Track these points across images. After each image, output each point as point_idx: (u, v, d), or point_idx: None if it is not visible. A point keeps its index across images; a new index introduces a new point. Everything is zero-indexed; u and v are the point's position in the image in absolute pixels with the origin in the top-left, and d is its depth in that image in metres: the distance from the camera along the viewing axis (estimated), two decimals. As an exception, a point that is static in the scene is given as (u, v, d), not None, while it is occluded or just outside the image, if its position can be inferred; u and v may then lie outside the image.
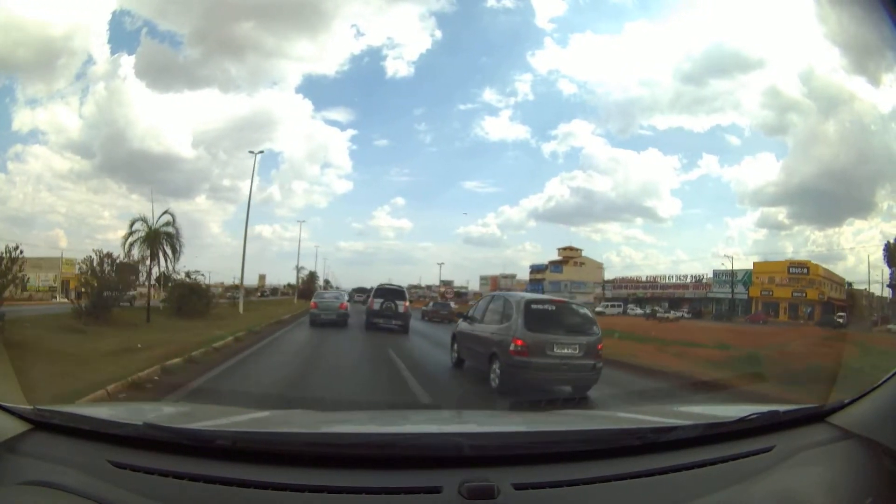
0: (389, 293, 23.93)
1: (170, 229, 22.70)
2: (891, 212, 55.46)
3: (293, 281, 67.50)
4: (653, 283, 71.66)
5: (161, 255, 22.72)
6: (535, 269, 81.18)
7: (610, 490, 1.92)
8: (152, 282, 26.11)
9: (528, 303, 10.09)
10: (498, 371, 9.53)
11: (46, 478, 1.88)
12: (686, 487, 1.96)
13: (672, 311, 57.38)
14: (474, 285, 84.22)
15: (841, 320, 48.50)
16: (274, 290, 76.21)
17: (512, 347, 9.30)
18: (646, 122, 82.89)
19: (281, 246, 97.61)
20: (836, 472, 2.11)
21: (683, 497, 1.91)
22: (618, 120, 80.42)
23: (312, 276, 70.84)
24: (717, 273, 65.55)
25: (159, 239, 22.60)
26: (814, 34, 61.08)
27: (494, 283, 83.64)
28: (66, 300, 25.66)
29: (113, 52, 61.39)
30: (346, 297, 28.18)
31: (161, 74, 68.39)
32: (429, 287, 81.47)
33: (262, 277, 63.10)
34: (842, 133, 56.64)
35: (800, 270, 60.02)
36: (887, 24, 2.11)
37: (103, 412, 2.59)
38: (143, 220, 22.71)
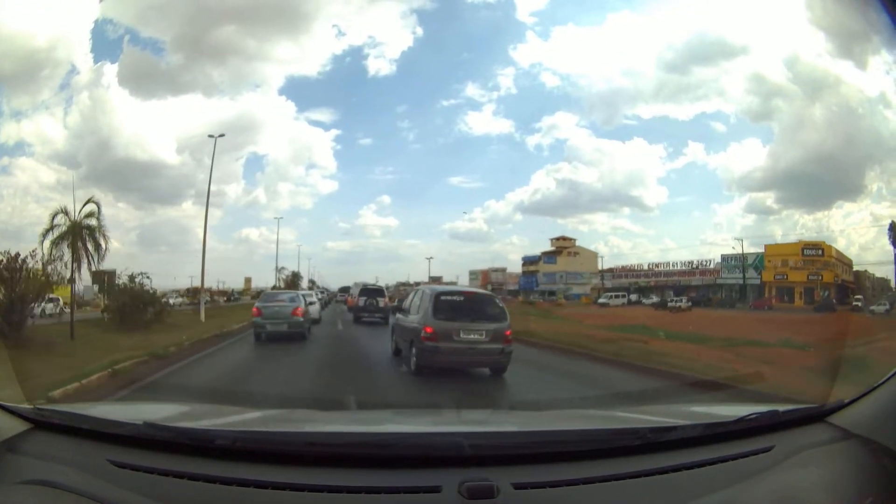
0: (372, 292, 27.84)
1: (92, 221, 17.74)
2: (880, 193, 55.32)
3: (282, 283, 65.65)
4: (656, 270, 68.63)
5: (85, 253, 17.68)
6: (528, 260, 78.98)
7: (610, 490, 1.92)
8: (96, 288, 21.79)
9: (438, 294, 11.26)
10: (414, 355, 10.71)
11: (47, 477, 1.89)
12: (686, 487, 1.96)
13: (683, 300, 53.29)
14: (464, 280, 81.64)
15: (858, 303, 46.90)
16: (240, 294, 73.46)
17: (423, 334, 10.42)
18: (630, 111, 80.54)
19: (268, 249, 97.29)
20: (836, 472, 2.10)
21: (683, 497, 1.92)
22: (602, 111, 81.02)
23: (295, 276, 68.83)
24: (725, 258, 61.89)
25: (82, 234, 17.57)
26: (798, 19, 61.66)
27: (485, 277, 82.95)
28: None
29: (96, 61, 58.60)
30: (311, 300, 23.53)
31: (144, 81, 66.52)
32: (417, 284, 78.45)
33: (248, 280, 62.07)
34: (828, 117, 55.82)
35: (814, 252, 56.66)
36: (873, 7, 2.13)
37: (103, 412, 2.62)
38: (64, 211, 18.31)
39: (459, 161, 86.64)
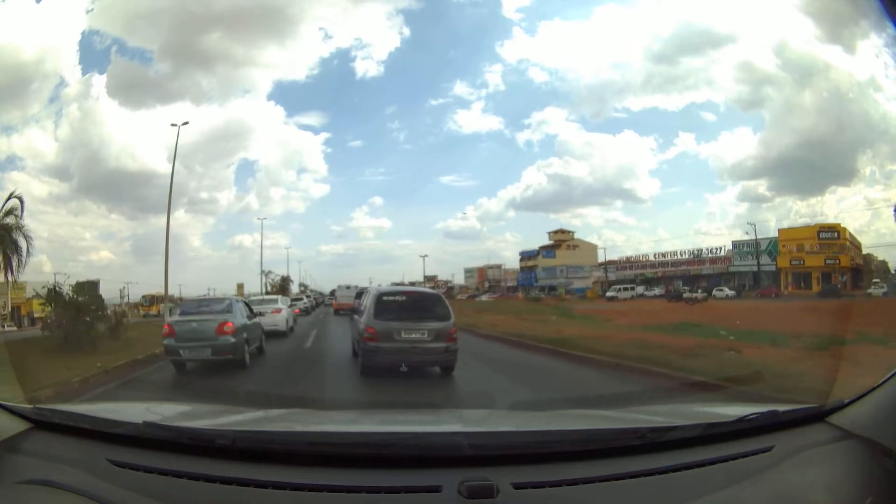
0: (357, 295, 32.17)
1: (8, 220, 13.86)
2: (873, 177, 56.28)
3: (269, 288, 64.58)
4: (663, 260, 65.93)
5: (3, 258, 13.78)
6: (526, 255, 78.05)
7: (609, 489, 1.91)
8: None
9: (380, 295, 11.47)
10: (360, 355, 11.12)
11: (46, 476, 1.89)
12: (685, 487, 1.95)
13: (699, 290, 49.88)
14: (459, 279, 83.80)
15: (883, 289, 45.24)
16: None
17: (365, 335, 10.68)
18: (619, 104, 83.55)
19: (263, 254, 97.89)
20: (835, 472, 2.09)
21: (683, 497, 1.91)
22: (591, 104, 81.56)
23: (285, 280, 67.78)
24: (737, 244, 59.22)
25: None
26: (786, 5, 59.94)
27: (481, 275, 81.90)
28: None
29: (84, 73, 61.00)
30: (273, 307, 21.24)
31: (133, 91, 68.95)
32: (412, 284, 77.77)
33: (240, 287, 59.38)
34: (819, 103, 56.26)
35: (830, 235, 54.48)
36: None
37: (103, 411, 2.59)
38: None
39: (450, 160, 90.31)
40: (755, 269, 56.12)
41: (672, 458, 2.05)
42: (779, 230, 57.67)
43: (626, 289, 57.88)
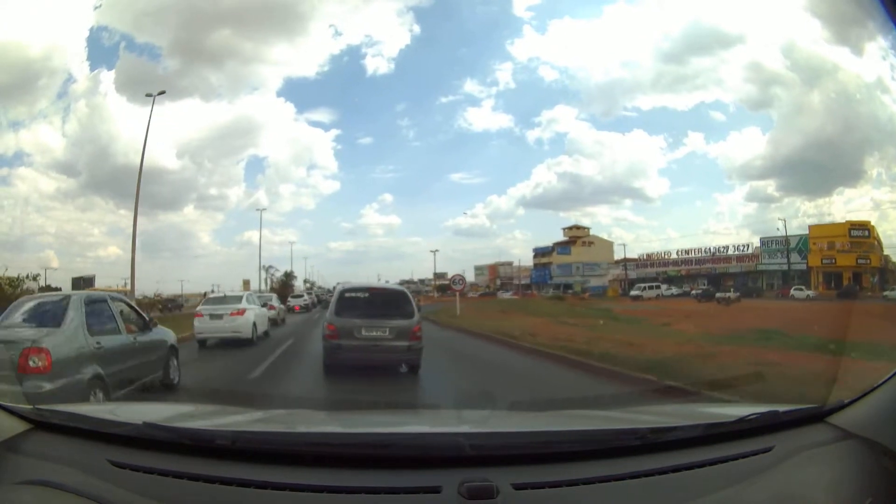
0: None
1: None
2: (880, 179, 54.88)
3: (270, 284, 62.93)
4: (686, 258, 62.83)
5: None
6: (540, 252, 76.13)
7: (609, 490, 1.91)
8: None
9: (343, 292, 11.43)
10: (323, 353, 10.99)
11: (46, 477, 1.88)
12: (685, 487, 1.95)
13: (732, 290, 47.23)
14: (469, 276, 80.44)
15: None
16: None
17: (326, 332, 10.74)
18: (629, 103, 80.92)
19: (271, 251, 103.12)
20: (835, 473, 2.08)
21: (683, 497, 1.91)
22: (601, 103, 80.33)
23: (288, 276, 66.50)
24: (765, 241, 55.60)
25: None
26: (794, 6, 60.54)
27: (493, 272, 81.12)
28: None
29: (92, 69, 59.70)
30: (240, 306, 17.15)
31: (141, 87, 65.42)
32: (422, 281, 79.68)
33: (246, 283, 56.75)
34: (827, 104, 55.76)
35: (861, 233, 51.07)
36: None
37: (103, 411, 2.67)
38: None
39: (460, 157, 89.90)
40: (785, 267, 53.50)
41: (672, 458, 2.05)
42: (809, 227, 54.54)
43: (650, 287, 54.63)
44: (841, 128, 54.18)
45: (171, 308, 39.70)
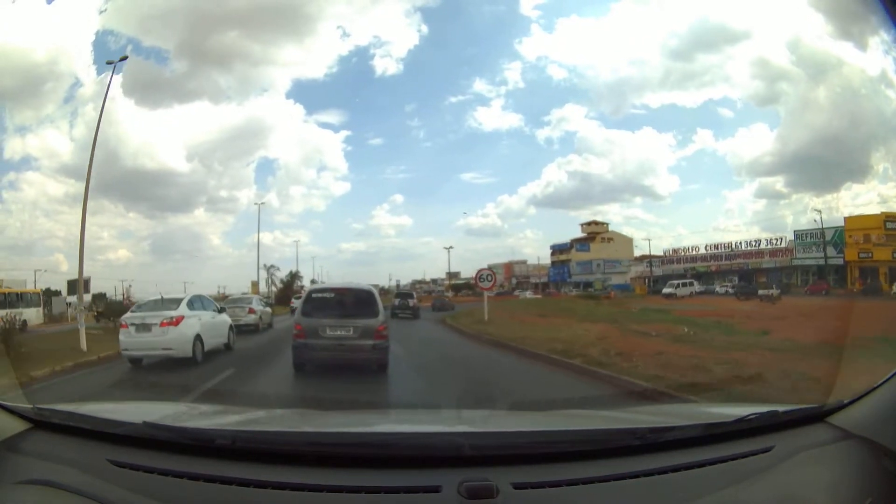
0: (404, 296, 35.20)
1: None
2: (886, 174, 54.79)
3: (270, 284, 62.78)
4: (716, 253, 59.10)
5: None
6: (557, 249, 74.63)
7: (609, 490, 1.91)
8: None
9: (311, 292, 12.15)
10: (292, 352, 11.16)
11: (46, 476, 1.89)
12: (685, 487, 1.95)
13: (774, 287, 44.51)
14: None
15: None
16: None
17: (294, 331, 10.98)
18: (638, 101, 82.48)
19: (282, 252, 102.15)
20: (835, 473, 2.08)
21: (683, 497, 1.91)
22: (610, 101, 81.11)
23: (293, 277, 64.91)
24: (799, 234, 52.15)
25: None
26: (797, 2, 60.12)
27: (508, 270, 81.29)
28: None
29: (99, 73, 57.60)
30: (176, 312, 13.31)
31: (149, 91, 69.49)
32: (434, 281, 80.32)
33: (254, 284, 56.42)
34: (833, 99, 56.01)
35: None
36: None
37: (103, 411, 2.59)
38: None
39: (471, 157, 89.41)
40: (821, 261, 50.79)
41: (672, 458, 2.05)
42: (845, 218, 50.55)
43: (684, 284, 50.91)
44: (847, 123, 54.52)
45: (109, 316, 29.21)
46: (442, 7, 72.41)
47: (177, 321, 12.61)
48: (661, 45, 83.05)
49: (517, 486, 1.81)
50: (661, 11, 79.06)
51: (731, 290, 51.20)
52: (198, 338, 12.88)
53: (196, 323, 13.19)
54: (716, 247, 59.52)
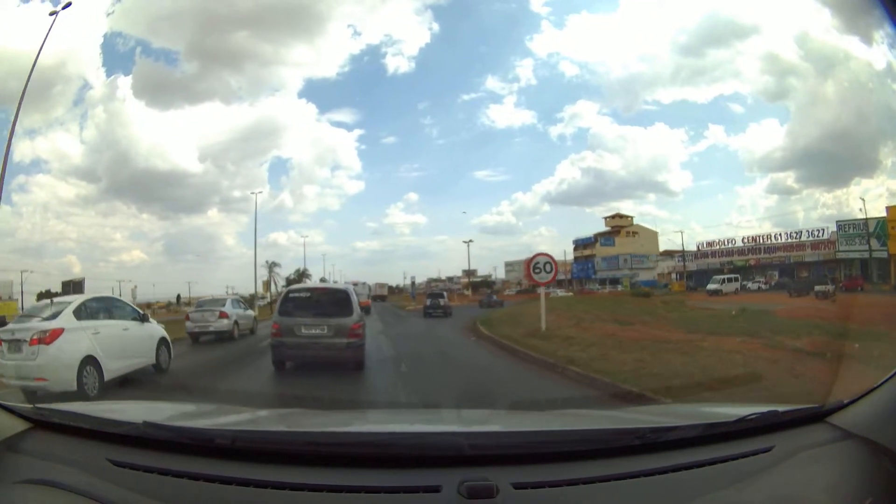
0: (436, 296, 36.17)
1: None
2: (895, 168, 53.96)
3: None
4: (753, 246, 56.02)
5: None
6: (580, 243, 72.45)
7: (609, 489, 1.91)
8: None
9: (288, 292, 12.44)
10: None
11: (46, 476, 1.89)
12: (685, 487, 1.95)
13: (829, 283, 42.38)
14: (500, 273, 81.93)
15: None
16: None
17: (272, 330, 11.34)
18: (650, 97, 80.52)
19: (297, 252, 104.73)
20: (835, 473, 2.09)
21: (683, 497, 1.91)
22: (622, 97, 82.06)
23: (301, 275, 63.51)
24: (842, 225, 48.76)
25: None
26: None
27: (529, 267, 73.05)
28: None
29: (108, 75, 60.75)
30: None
31: (160, 92, 70.13)
32: (450, 279, 79.73)
33: (266, 285, 57.29)
34: (841, 93, 55.84)
35: None
36: None
37: (103, 411, 2.58)
38: None
39: (484, 155, 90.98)
40: (866, 254, 48.89)
41: (672, 458, 2.05)
42: (887, 208, 46.40)
43: (730, 280, 47.83)
44: (855, 118, 54.45)
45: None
46: (452, 4, 72.69)
47: (50, 337, 8.80)
48: (671, 41, 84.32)
49: (517, 486, 1.81)
50: (670, 7, 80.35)
51: (763, 287, 49.41)
52: (89, 361, 9.12)
53: (85, 339, 9.34)
54: (754, 239, 56.50)
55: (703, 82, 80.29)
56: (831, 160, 59.06)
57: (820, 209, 73.79)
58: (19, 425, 2.16)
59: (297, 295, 11.90)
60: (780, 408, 2.42)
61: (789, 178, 76.53)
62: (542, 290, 20.05)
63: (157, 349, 11.54)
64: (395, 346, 16.02)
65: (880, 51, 41.66)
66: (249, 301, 39.53)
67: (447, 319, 30.93)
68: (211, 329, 19.05)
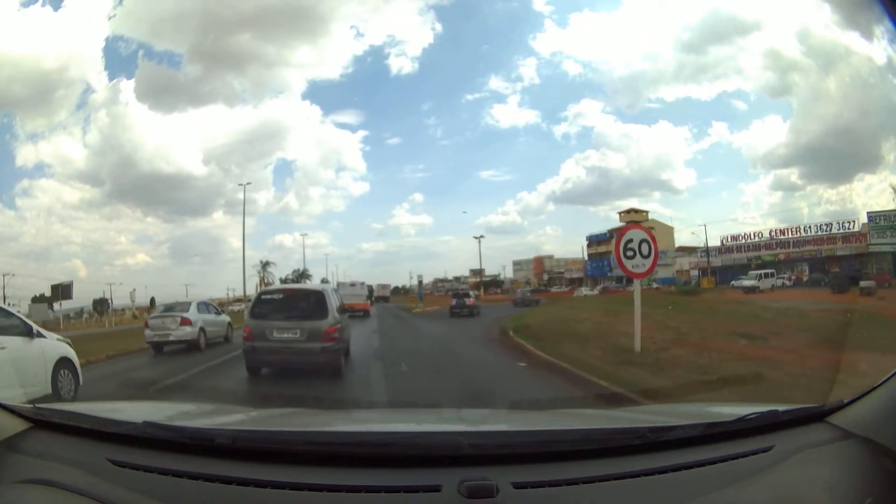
0: (461, 296, 35.88)
1: None
2: None
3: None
4: (781, 239, 54.09)
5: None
6: (594, 239, 70.73)
7: (609, 489, 1.90)
8: None
9: (261, 294, 12.66)
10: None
11: (46, 476, 1.87)
12: (685, 487, 1.93)
13: (871, 278, 40.67)
14: (508, 272, 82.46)
15: None
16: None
17: (244, 335, 10.94)
18: (653, 95, 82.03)
19: (302, 253, 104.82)
20: (835, 472, 2.07)
21: (682, 496, 1.90)
22: (625, 95, 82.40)
23: (301, 276, 62.40)
24: (873, 216, 46.55)
25: None
26: None
27: (538, 265, 79.31)
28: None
29: (111, 79, 60.77)
30: None
31: (163, 95, 69.34)
32: (457, 279, 78.98)
33: (259, 286, 54.59)
34: (842, 89, 56.37)
35: None
36: None
37: (103, 410, 2.57)
38: None
39: (489, 155, 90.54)
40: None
41: (672, 457, 2.04)
42: None
43: (767, 275, 44.58)
44: (857, 113, 54.54)
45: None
46: (455, 4, 73.29)
47: None
48: (674, 38, 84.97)
49: (517, 486, 1.80)
50: (672, 4, 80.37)
51: (787, 283, 48.02)
52: None
53: None
54: (782, 232, 54.83)
55: (705, 79, 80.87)
56: (834, 156, 59.65)
57: (824, 205, 73.09)
58: (19, 425, 2.15)
59: (269, 297, 11.61)
60: (780, 407, 2.39)
61: (793, 174, 76.76)
62: (637, 285, 13.76)
63: (54, 373, 8.88)
64: (388, 378, 11.26)
65: (880, 46, 41.56)
66: (244, 303, 37.75)
67: (474, 326, 26.07)
68: (171, 338, 16.91)
